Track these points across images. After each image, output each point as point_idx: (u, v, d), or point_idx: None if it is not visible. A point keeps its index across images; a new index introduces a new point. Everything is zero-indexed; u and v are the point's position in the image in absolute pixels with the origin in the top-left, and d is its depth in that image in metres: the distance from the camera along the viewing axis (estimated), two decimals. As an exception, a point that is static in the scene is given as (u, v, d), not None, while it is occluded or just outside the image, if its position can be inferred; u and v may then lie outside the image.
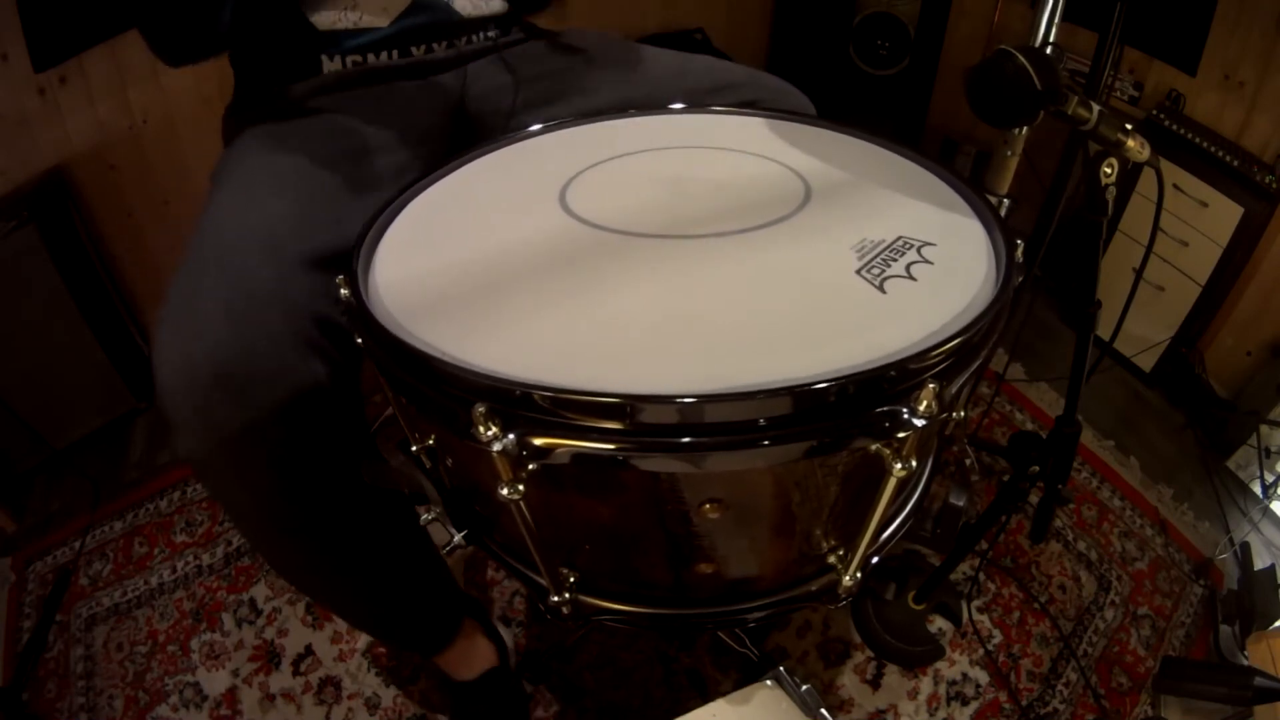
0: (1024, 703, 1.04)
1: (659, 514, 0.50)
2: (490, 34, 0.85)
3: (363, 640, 1.13)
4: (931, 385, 0.41)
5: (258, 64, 0.78)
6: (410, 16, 0.77)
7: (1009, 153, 0.93)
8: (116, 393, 1.49)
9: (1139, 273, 0.87)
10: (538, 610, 1.14)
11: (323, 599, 0.91)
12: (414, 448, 0.65)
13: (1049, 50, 0.83)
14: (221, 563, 1.26)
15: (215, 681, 1.10)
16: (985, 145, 1.98)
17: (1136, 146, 0.58)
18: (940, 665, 1.08)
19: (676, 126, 0.80)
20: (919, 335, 0.46)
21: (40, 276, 1.30)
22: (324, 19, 0.74)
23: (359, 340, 0.54)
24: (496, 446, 0.41)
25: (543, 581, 0.57)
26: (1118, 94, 1.59)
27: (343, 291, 0.53)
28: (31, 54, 1.26)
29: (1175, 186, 1.41)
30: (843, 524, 0.55)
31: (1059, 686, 1.06)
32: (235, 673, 1.11)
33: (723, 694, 0.68)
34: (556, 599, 0.57)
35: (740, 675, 1.05)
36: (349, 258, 0.58)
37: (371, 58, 0.77)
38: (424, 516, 0.71)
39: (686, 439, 0.41)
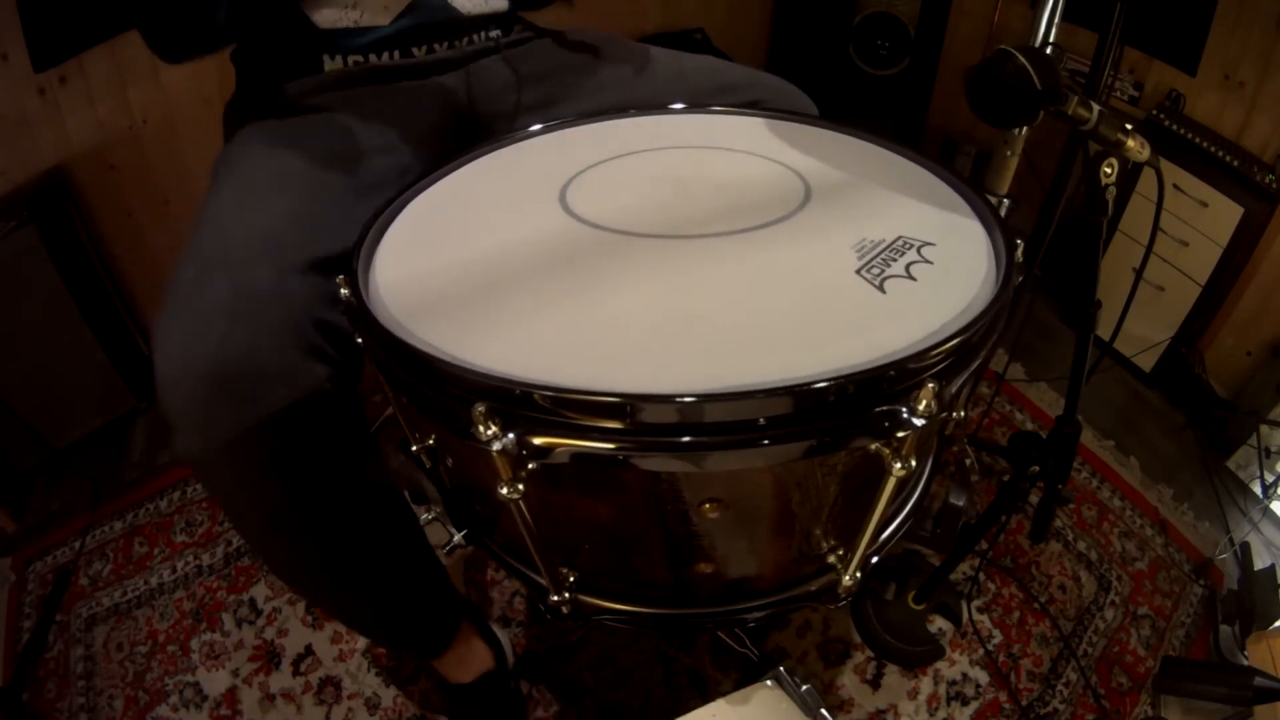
0: (1024, 703, 1.04)
1: (659, 514, 0.50)
2: (492, 34, 0.85)
3: (363, 640, 1.13)
4: (931, 385, 0.41)
5: (259, 62, 0.78)
6: (411, 15, 0.76)
7: (1009, 153, 0.93)
8: (116, 393, 1.49)
9: (1139, 273, 0.87)
10: (538, 610, 1.14)
11: (320, 602, 0.90)
12: (414, 448, 0.65)
13: (1049, 50, 0.83)
14: (221, 563, 1.26)
15: (215, 681, 1.10)
16: (985, 145, 1.99)
17: (1136, 146, 0.58)
18: (940, 665, 1.07)
19: (677, 127, 0.81)
20: (919, 335, 0.46)
21: (40, 276, 1.30)
22: (324, 18, 0.73)
23: (359, 340, 0.54)
24: (496, 446, 0.42)
25: (543, 581, 0.57)
26: (1118, 94, 1.59)
27: (343, 291, 0.53)
28: (31, 54, 1.26)
29: (1175, 186, 1.41)
30: (842, 524, 0.55)
31: (1059, 686, 1.06)
32: (235, 673, 1.11)
33: (723, 694, 0.68)
34: (556, 599, 0.57)
35: (740, 675, 1.05)
36: (349, 258, 0.58)
37: (373, 58, 0.77)
38: (424, 516, 0.71)
39: (686, 438, 0.41)
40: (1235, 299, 1.45)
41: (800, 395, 0.41)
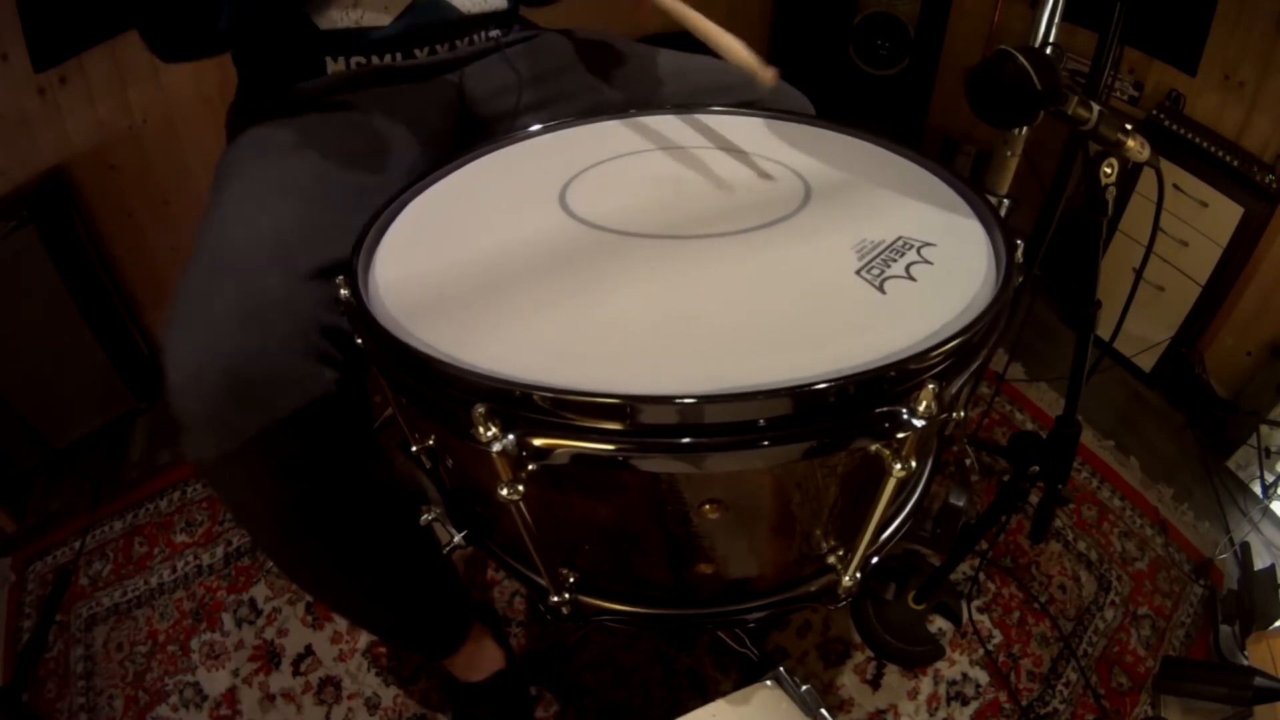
0: (1024, 703, 1.04)
1: (659, 514, 0.50)
2: (492, 33, 0.85)
3: (363, 640, 1.13)
4: (931, 385, 0.41)
5: (262, 63, 0.78)
6: (411, 15, 0.77)
7: (1009, 153, 0.93)
8: (116, 393, 1.49)
9: (1139, 273, 0.87)
10: (538, 610, 1.14)
11: (332, 602, 0.91)
12: (414, 448, 0.65)
13: (1049, 50, 0.83)
14: (221, 563, 1.26)
15: (215, 681, 1.10)
16: (985, 145, 1.98)
17: (1136, 146, 0.58)
18: (940, 665, 1.08)
19: (677, 127, 0.80)
20: (919, 335, 0.46)
21: (40, 276, 1.30)
22: (326, 19, 0.74)
23: (359, 341, 0.54)
24: (496, 447, 0.41)
25: (543, 582, 0.57)
26: (1118, 94, 1.59)
27: (343, 291, 0.53)
28: (31, 54, 1.26)
29: (1175, 186, 1.41)
30: (842, 524, 0.55)
31: (1059, 686, 1.06)
32: (235, 673, 1.11)
33: (723, 694, 0.68)
34: (556, 599, 0.57)
35: (740, 675, 1.05)
36: (349, 258, 0.58)
37: (375, 59, 0.77)
38: (424, 517, 0.71)
39: (686, 439, 0.41)
40: (1235, 299, 1.45)
41: (800, 396, 0.41)
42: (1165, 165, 1.28)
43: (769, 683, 0.69)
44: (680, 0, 0.78)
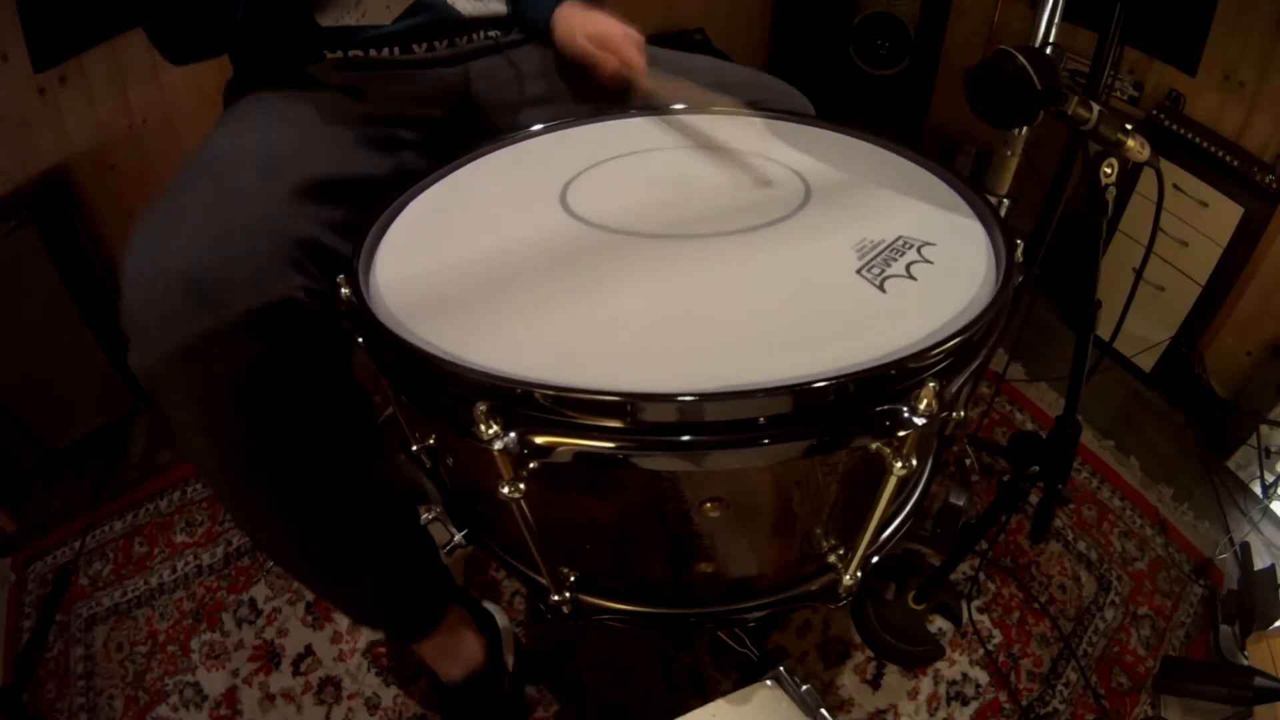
0: (1024, 703, 1.04)
1: (659, 513, 0.50)
2: (491, 33, 0.85)
3: (363, 640, 1.13)
4: (931, 384, 0.41)
5: (260, 57, 0.78)
6: (412, 16, 0.77)
7: (1009, 153, 0.93)
8: (116, 393, 1.49)
9: (1139, 273, 0.87)
10: (538, 610, 1.14)
11: (284, 560, 0.76)
12: (414, 447, 0.65)
13: (1049, 50, 0.83)
14: (221, 563, 1.26)
15: (215, 681, 1.10)
16: (985, 145, 1.99)
17: (1136, 146, 0.58)
18: (940, 665, 1.07)
19: (677, 126, 0.81)
20: (919, 335, 0.46)
21: (40, 276, 1.30)
22: (328, 17, 0.74)
23: (359, 340, 0.54)
24: (498, 445, 0.42)
25: (543, 581, 0.57)
26: (1118, 94, 1.59)
27: (343, 291, 0.53)
28: (31, 54, 1.26)
29: (1175, 186, 1.41)
30: (843, 523, 0.55)
31: (1059, 686, 1.06)
32: (235, 673, 1.11)
33: (723, 694, 0.68)
34: (557, 598, 0.57)
35: (740, 675, 1.05)
36: (350, 254, 0.58)
37: (374, 53, 0.77)
38: (424, 516, 0.71)
39: (687, 437, 0.41)
40: (1235, 299, 1.45)
41: (801, 394, 0.41)
42: (1165, 165, 1.28)
43: (769, 683, 0.69)
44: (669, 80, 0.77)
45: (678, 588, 0.59)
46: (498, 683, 0.96)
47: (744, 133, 0.79)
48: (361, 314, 0.52)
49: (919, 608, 1.09)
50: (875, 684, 1.06)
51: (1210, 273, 1.41)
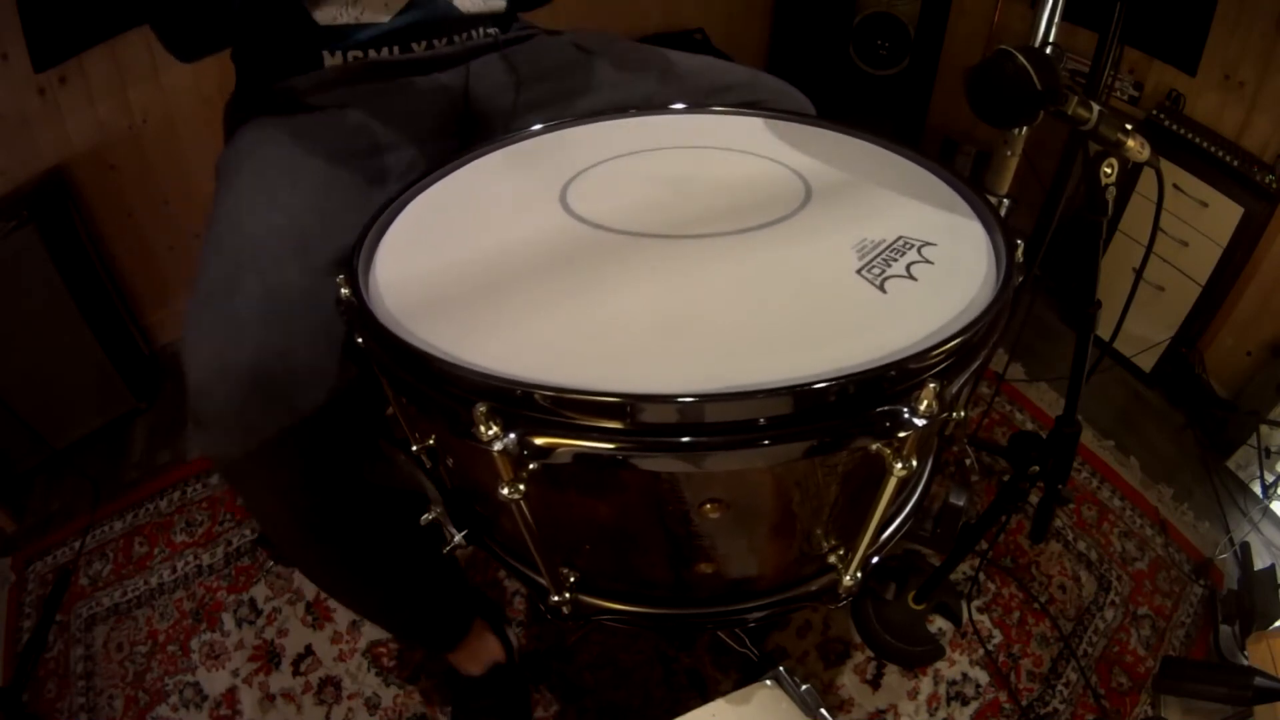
0: (1024, 703, 1.04)
1: (659, 514, 0.50)
2: (490, 31, 0.85)
3: (363, 640, 1.13)
4: (932, 385, 0.41)
5: (259, 59, 0.78)
6: (410, 12, 0.77)
7: (1009, 153, 0.93)
8: (116, 393, 1.49)
9: (1139, 273, 0.87)
10: (538, 610, 1.14)
11: (342, 598, 0.93)
12: (414, 448, 0.65)
13: (1049, 50, 0.83)
14: (221, 563, 1.26)
15: (215, 681, 1.10)
16: (985, 145, 1.99)
17: (1136, 146, 0.58)
18: (940, 665, 1.08)
19: (677, 127, 0.80)
20: (919, 335, 0.46)
21: (40, 276, 1.31)
22: (325, 14, 0.74)
23: (359, 340, 0.54)
24: (497, 446, 0.41)
25: (543, 581, 0.57)
26: (1118, 94, 1.59)
27: (343, 291, 0.53)
28: (31, 54, 1.26)
29: (1175, 186, 1.41)
30: (843, 524, 0.55)
31: (1059, 686, 1.06)
32: (235, 673, 1.11)
33: (723, 694, 0.68)
34: (556, 599, 0.57)
35: (740, 675, 1.05)
36: (350, 256, 0.58)
37: (373, 53, 0.77)
38: (424, 517, 0.71)
39: (687, 439, 0.41)
40: (1235, 299, 1.45)
41: (801, 395, 0.41)
42: (1165, 165, 1.28)
43: (769, 683, 0.69)
44: None
45: (678, 588, 0.59)
46: (515, 673, 1.04)
47: (744, 132, 0.78)
48: (361, 314, 0.51)
49: (919, 608, 1.09)
50: (875, 684, 1.06)
51: (1210, 273, 1.41)
